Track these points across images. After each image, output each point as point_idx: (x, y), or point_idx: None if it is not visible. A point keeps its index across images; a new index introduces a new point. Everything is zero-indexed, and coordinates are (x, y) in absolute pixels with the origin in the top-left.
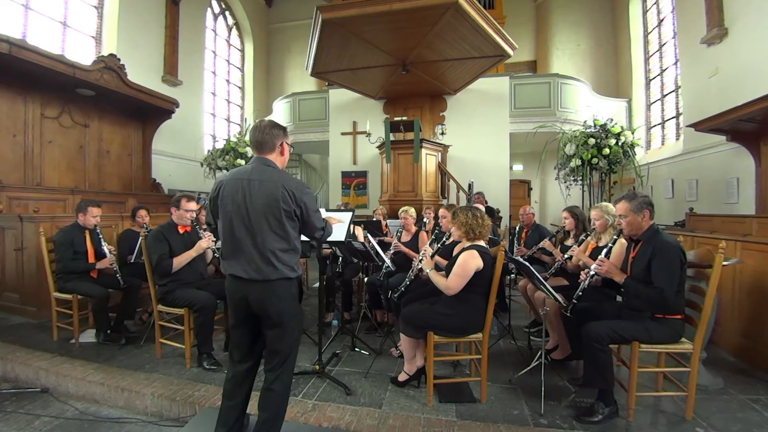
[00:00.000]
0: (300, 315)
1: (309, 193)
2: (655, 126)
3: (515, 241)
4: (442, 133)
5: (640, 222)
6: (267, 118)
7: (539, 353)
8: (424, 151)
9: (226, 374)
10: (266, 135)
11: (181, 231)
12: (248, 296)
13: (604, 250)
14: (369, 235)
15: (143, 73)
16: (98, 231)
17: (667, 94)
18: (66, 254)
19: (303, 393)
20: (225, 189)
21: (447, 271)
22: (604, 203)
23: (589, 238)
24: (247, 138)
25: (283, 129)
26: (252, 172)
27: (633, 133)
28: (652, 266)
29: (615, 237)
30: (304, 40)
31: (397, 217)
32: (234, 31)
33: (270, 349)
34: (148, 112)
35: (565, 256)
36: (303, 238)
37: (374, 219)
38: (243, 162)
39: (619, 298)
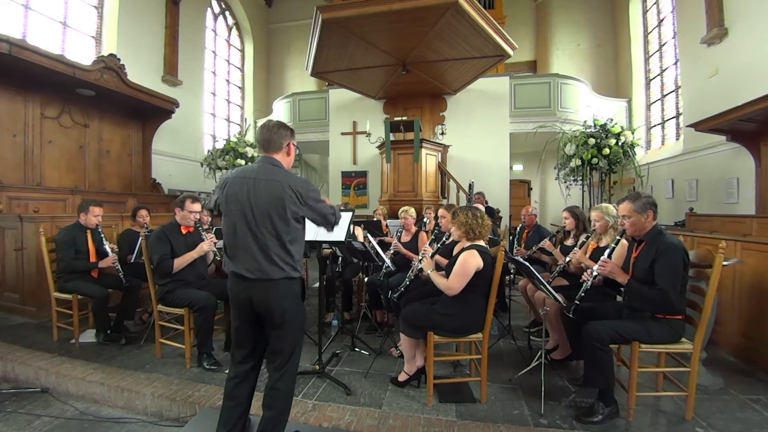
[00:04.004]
0: (302, 314)
1: (314, 190)
2: (655, 126)
3: (515, 242)
4: (442, 133)
5: (644, 222)
6: (275, 119)
7: (539, 353)
8: (424, 151)
9: (228, 374)
10: (273, 134)
11: (183, 232)
12: (252, 296)
13: (607, 251)
14: (369, 235)
15: (143, 73)
16: (100, 230)
17: (667, 94)
18: (68, 253)
19: (303, 393)
20: (229, 187)
21: (447, 271)
22: (605, 204)
23: (589, 239)
24: (246, 138)
25: (291, 130)
26: (258, 171)
27: (633, 133)
28: (656, 267)
29: (618, 238)
30: (304, 40)
31: (397, 217)
32: (234, 31)
33: (273, 348)
34: (148, 112)
35: (567, 259)
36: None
37: (374, 219)
38: (243, 162)
39: (619, 298)
